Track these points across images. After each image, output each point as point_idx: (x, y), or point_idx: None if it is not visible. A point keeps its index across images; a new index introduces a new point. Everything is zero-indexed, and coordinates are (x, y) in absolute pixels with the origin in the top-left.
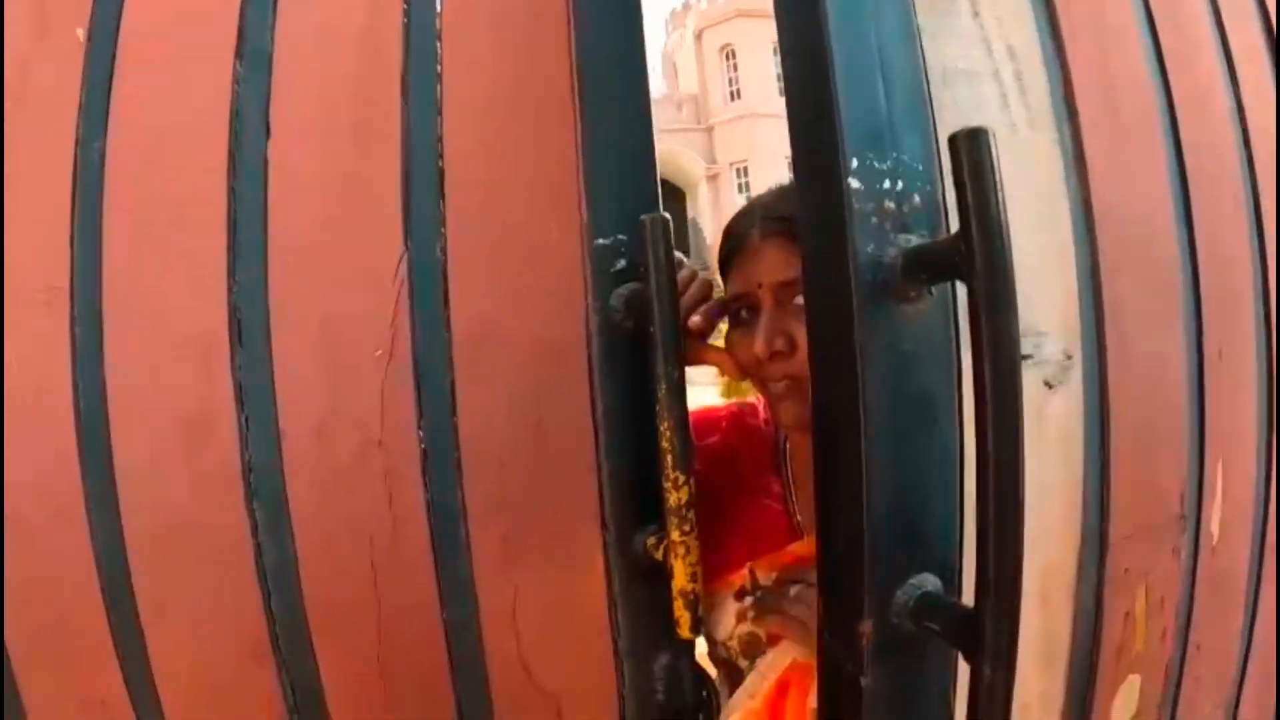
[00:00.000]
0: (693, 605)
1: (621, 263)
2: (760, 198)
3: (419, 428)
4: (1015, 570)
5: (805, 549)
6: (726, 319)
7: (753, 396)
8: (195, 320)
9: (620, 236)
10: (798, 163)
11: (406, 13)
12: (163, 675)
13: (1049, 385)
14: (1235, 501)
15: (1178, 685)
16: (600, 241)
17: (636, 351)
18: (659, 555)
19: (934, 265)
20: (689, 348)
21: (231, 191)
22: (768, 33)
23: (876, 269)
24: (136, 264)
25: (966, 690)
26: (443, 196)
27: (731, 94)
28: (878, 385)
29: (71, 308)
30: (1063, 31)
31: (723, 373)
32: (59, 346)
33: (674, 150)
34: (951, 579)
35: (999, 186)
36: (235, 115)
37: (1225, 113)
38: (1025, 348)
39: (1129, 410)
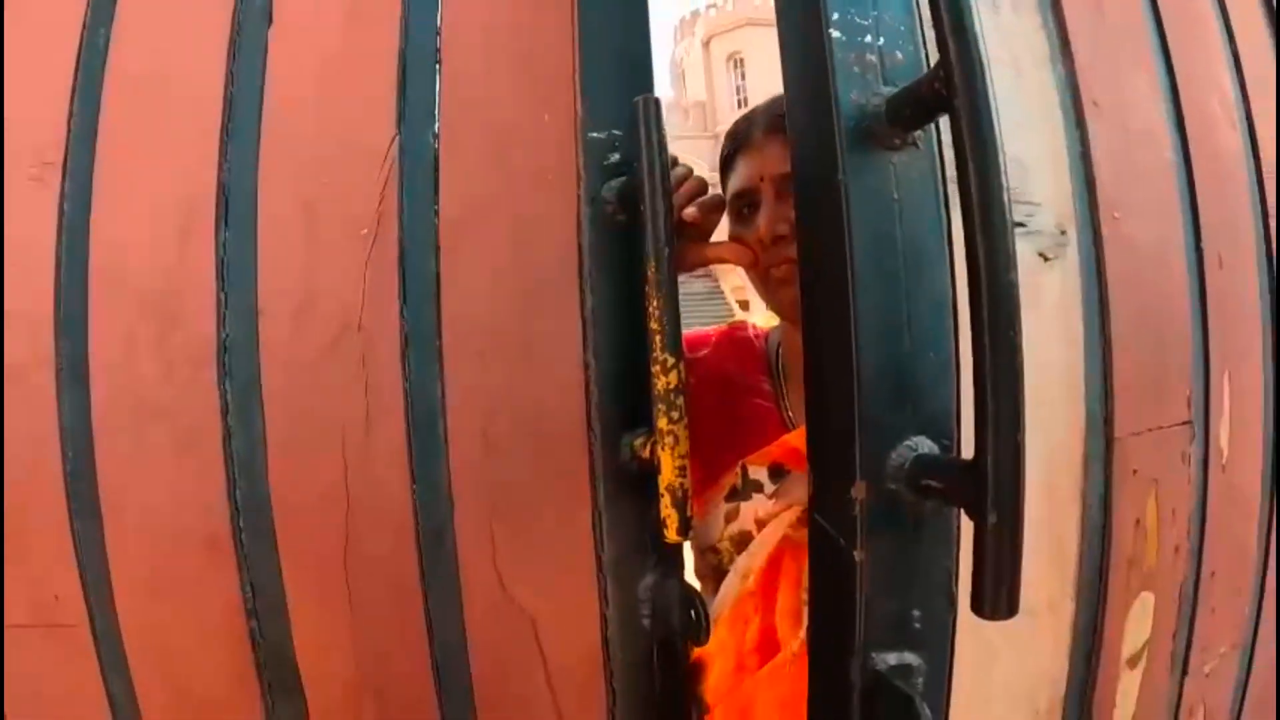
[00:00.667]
0: (681, 503)
1: (615, 156)
2: (760, 104)
3: (401, 313)
4: (1016, 408)
5: (797, 440)
6: (727, 216)
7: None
8: (183, 195)
9: (615, 131)
10: (783, 16)
11: None
12: (118, 570)
13: (1044, 257)
14: (1244, 421)
15: (1192, 614)
16: (594, 135)
17: (628, 247)
18: (646, 454)
19: (916, 102)
20: (694, 250)
21: (230, 74)
22: (776, 41)
23: (861, 115)
24: (130, 141)
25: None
26: (438, 83)
27: (739, 101)
28: (864, 231)
29: (63, 182)
30: None
31: (731, 263)
32: (46, 218)
33: (680, 157)
34: (949, 444)
35: (975, 18)
36: (239, 3)
37: (1212, 26)
38: (1017, 215)
39: (1129, 297)
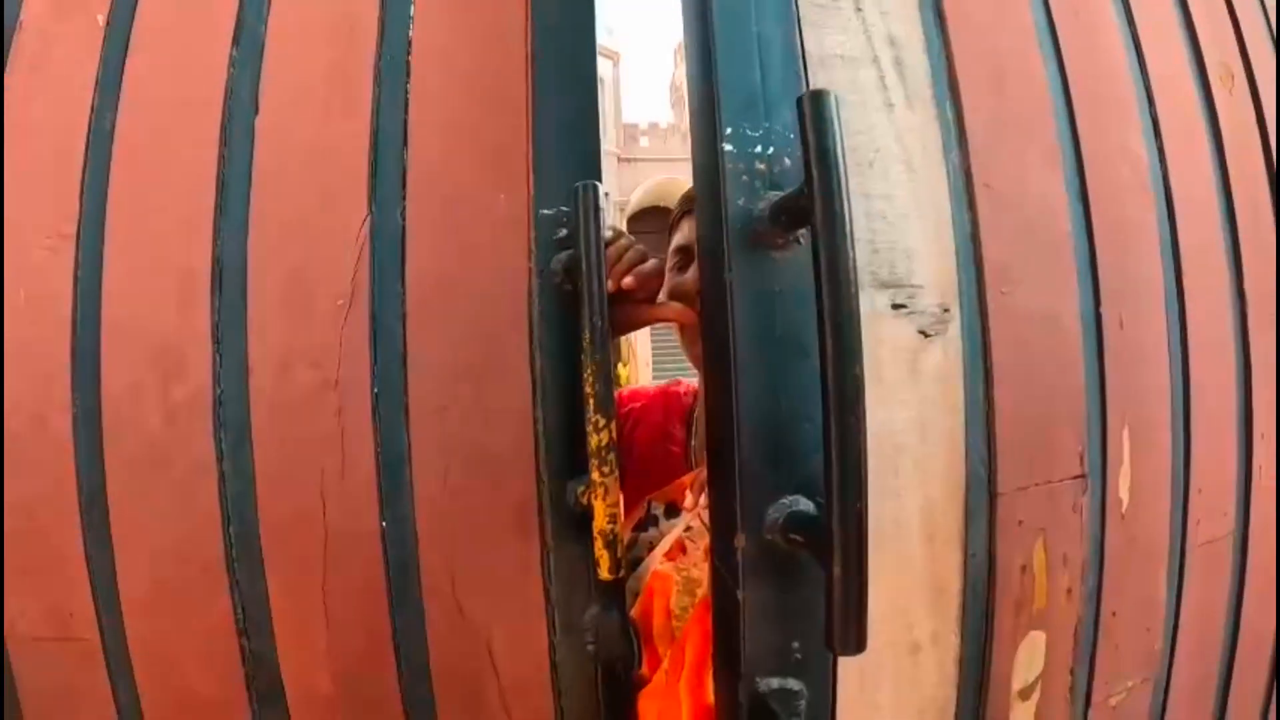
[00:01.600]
0: (611, 545)
1: (563, 232)
2: None
3: (372, 372)
4: (856, 469)
5: (691, 478)
6: (666, 268)
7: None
8: (182, 264)
9: (563, 208)
10: (692, 130)
11: (384, 4)
12: (127, 592)
13: (924, 334)
14: (1149, 472)
15: (1093, 651)
16: (544, 212)
17: (574, 313)
18: (585, 500)
19: (790, 212)
20: (640, 310)
21: (222, 157)
22: None
23: (747, 219)
24: (136, 216)
25: None
26: (405, 168)
27: None
28: (746, 322)
29: (77, 252)
30: (948, 19)
31: (673, 321)
32: (64, 284)
33: (676, 180)
34: (823, 502)
35: (837, 137)
36: (229, 93)
37: (1128, 92)
38: (899, 299)
39: (1015, 365)
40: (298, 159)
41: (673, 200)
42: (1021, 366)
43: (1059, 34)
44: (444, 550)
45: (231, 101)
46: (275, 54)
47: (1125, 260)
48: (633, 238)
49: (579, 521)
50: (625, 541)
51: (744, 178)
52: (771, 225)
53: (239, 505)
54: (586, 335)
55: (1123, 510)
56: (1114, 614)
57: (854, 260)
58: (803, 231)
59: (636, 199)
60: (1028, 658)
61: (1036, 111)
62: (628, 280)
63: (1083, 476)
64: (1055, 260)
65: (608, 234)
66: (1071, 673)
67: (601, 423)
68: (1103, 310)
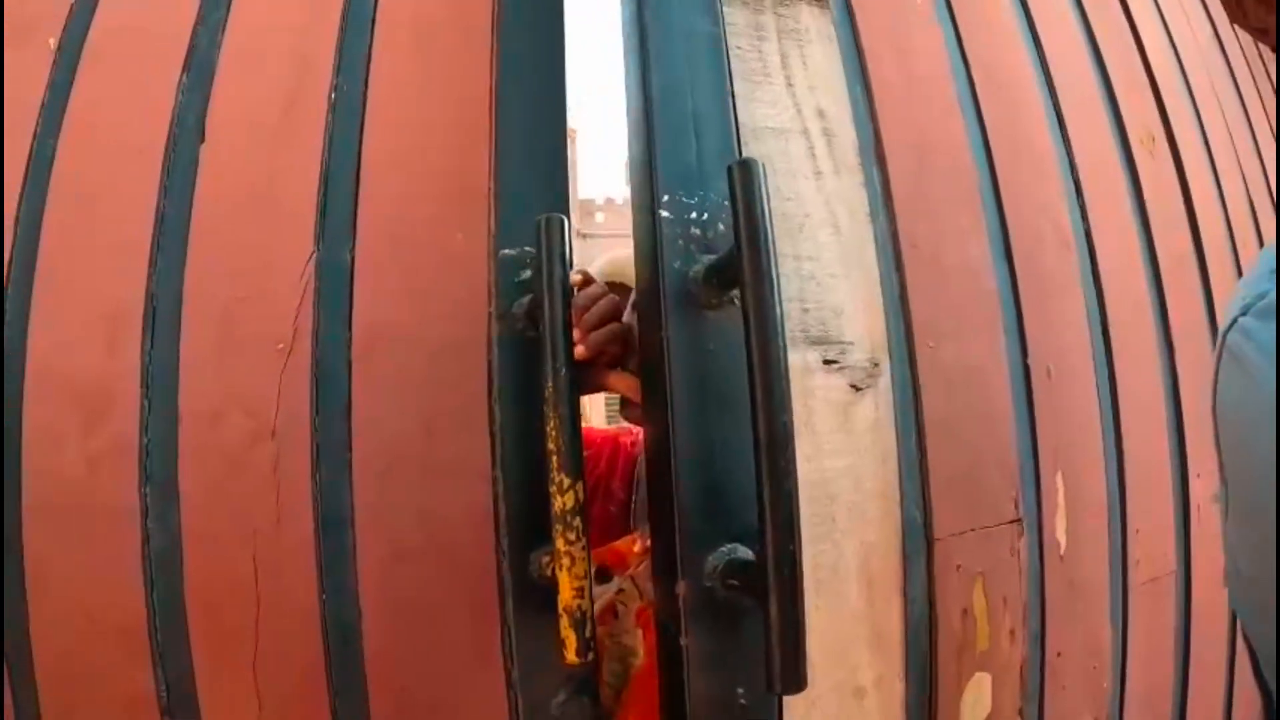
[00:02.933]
0: (579, 624)
1: (526, 274)
2: None
3: (313, 424)
4: (788, 509)
5: (624, 544)
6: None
7: None
8: (114, 301)
9: (527, 249)
10: (633, 199)
11: (341, 30)
12: (39, 652)
13: (855, 388)
14: (1085, 515)
15: (1040, 691)
16: (506, 252)
17: (536, 362)
18: (549, 573)
19: (722, 273)
20: (599, 373)
21: (163, 188)
22: None
23: (682, 280)
24: (69, 248)
25: None
26: (356, 203)
27: None
28: (682, 378)
29: (4, 284)
30: (875, 94)
31: (628, 396)
32: None
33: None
34: (761, 550)
35: (765, 203)
36: (176, 121)
37: (1050, 158)
38: (830, 354)
39: (944, 414)
40: (243, 192)
41: (628, 275)
42: (952, 416)
43: (981, 105)
44: (391, 626)
45: (177, 129)
46: (227, 82)
47: (1050, 314)
48: (604, 286)
49: (544, 596)
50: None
51: (680, 242)
52: (705, 286)
53: (163, 566)
54: (550, 386)
55: (1061, 552)
56: (1059, 654)
57: (780, 313)
58: (735, 292)
59: (594, 273)
60: (974, 699)
61: (960, 178)
62: (579, 350)
63: (1018, 521)
64: (981, 315)
65: (576, 277)
66: (1020, 713)
67: (567, 483)
68: (1030, 361)
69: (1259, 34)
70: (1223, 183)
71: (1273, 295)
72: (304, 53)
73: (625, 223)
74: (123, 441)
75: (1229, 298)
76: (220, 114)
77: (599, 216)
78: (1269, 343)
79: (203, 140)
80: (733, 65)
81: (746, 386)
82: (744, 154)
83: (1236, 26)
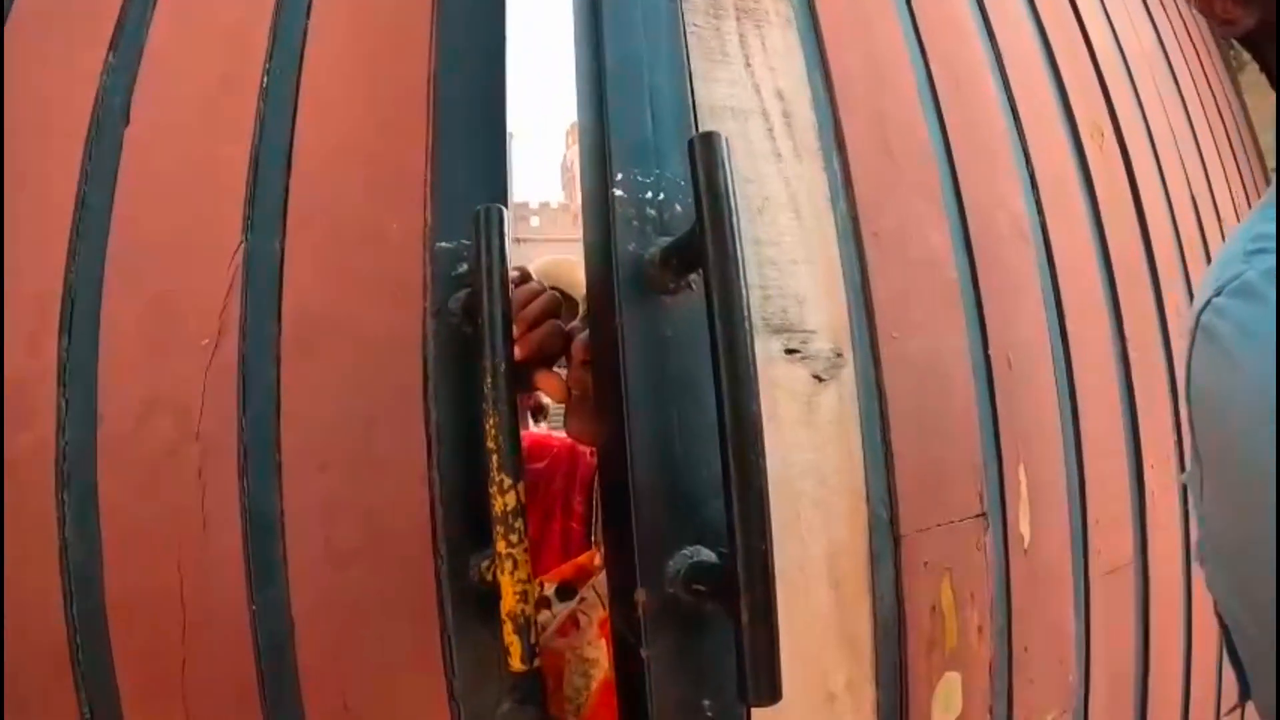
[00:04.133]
0: (523, 630)
1: (463, 267)
2: None
3: (240, 423)
4: (759, 508)
5: (587, 559)
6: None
7: None
8: (34, 295)
9: (464, 241)
10: (582, 177)
11: (277, 10)
12: None
13: (818, 378)
14: (1046, 507)
15: (1009, 687)
16: (442, 244)
17: (474, 359)
18: (490, 577)
19: (681, 254)
20: (530, 369)
21: (85, 172)
22: None
23: (637, 264)
24: None
25: None
26: (287, 191)
27: None
28: (638, 367)
29: None
30: (835, 83)
31: (551, 396)
32: None
33: (567, 259)
34: (725, 551)
35: (729, 179)
36: (99, 102)
37: (1005, 149)
38: (792, 344)
39: (909, 407)
40: (169, 178)
41: (562, 280)
42: (916, 408)
43: (939, 94)
44: (325, 637)
45: (101, 111)
46: (154, 62)
47: (1009, 304)
48: (543, 283)
49: (486, 602)
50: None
51: (634, 223)
52: (662, 270)
53: (83, 578)
54: (489, 382)
55: (1025, 546)
56: (1025, 649)
57: (747, 297)
58: (694, 276)
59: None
60: (945, 699)
61: (921, 167)
62: (534, 334)
63: (983, 515)
64: (943, 304)
65: (514, 274)
66: (990, 711)
67: (507, 483)
68: (991, 352)
69: (1225, 25)
70: (1167, 178)
71: (1248, 274)
72: (237, 32)
73: (560, 227)
74: (41, 444)
75: (1201, 283)
76: (147, 95)
77: (534, 220)
78: (1245, 320)
79: (128, 123)
80: (690, 42)
81: (707, 376)
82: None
83: (1198, 20)
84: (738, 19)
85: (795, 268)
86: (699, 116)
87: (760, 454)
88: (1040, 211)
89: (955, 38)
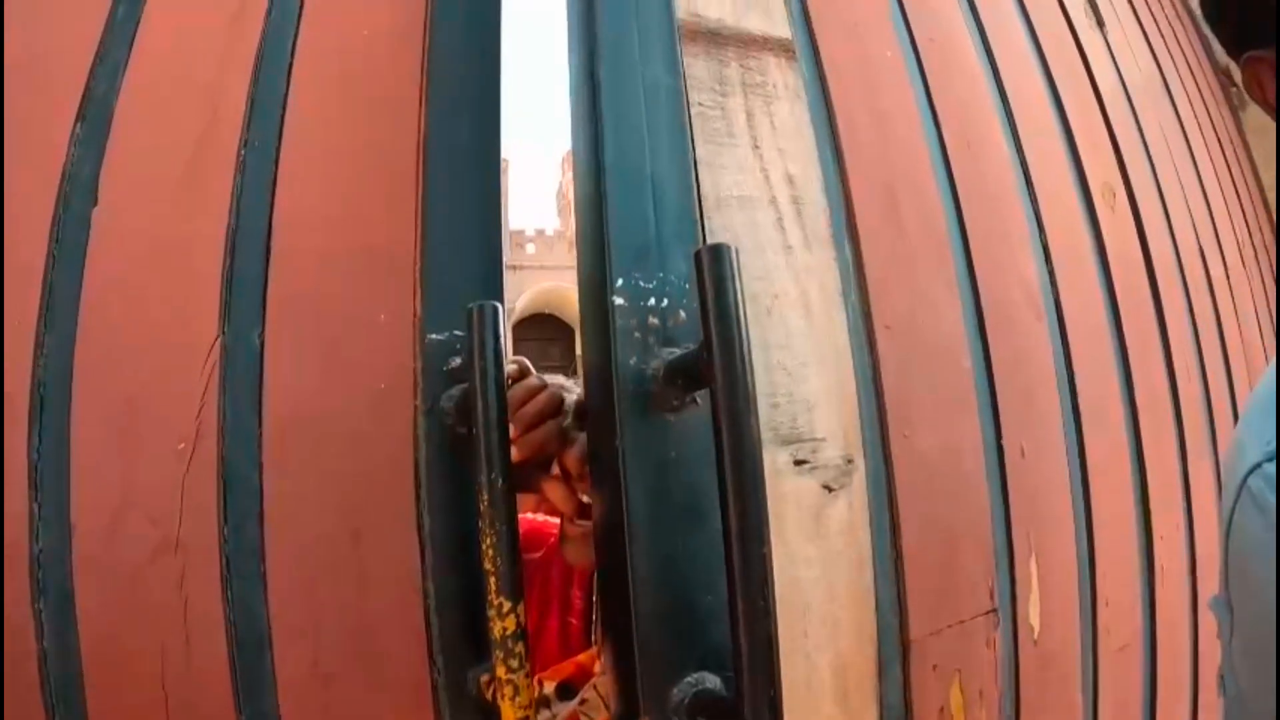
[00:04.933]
0: None
1: (456, 361)
2: None
3: (221, 531)
4: (766, 650)
5: (588, 658)
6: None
7: None
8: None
9: (457, 332)
10: (579, 281)
11: (256, 68)
12: None
13: (828, 489)
14: (1057, 595)
15: None
16: (434, 336)
17: (468, 461)
18: (490, 696)
19: (687, 373)
20: (532, 474)
21: (51, 256)
22: None
23: (640, 379)
24: None
25: None
26: (267, 277)
27: None
28: (640, 489)
29: None
30: (846, 158)
31: (553, 504)
32: None
33: (561, 287)
34: (731, 677)
35: (738, 297)
36: (67, 178)
37: (1019, 217)
38: (801, 453)
39: (920, 509)
40: (140, 262)
41: (559, 308)
42: (928, 509)
43: (951, 163)
44: None
45: (68, 187)
46: (125, 132)
47: (1023, 389)
48: (543, 378)
49: (483, 716)
50: None
51: (636, 334)
52: (667, 387)
53: (63, 693)
54: (485, 499)
55: (1035, 636)
56: None
57: (758, 429)
58: (700, 391)
59: (522, 306)
60: None
61: (934, 245)
62: (514, 452)
63: (994, 611)
64: (956, 396)
65: (511, 368)
66: None
67: (506, 607)
68: (1004, 441)
69: (1270, 108)
70: (1176, 233)
71: None
72: (213, 98)
73: (555, 255)
74: (14, 551)
75: (1240, 429)
76: (117, 169)
77: (529, 248)
78: None
79: (96, 202)
80: (694, 125)
81: (712, 497)
82: (708, 227)
83: (1200, 58)
84: (745, 95)
85: (805, 370)
86: (705, 209)
87: (770, 598)
88: (1054, 282)
89: (967, 98)
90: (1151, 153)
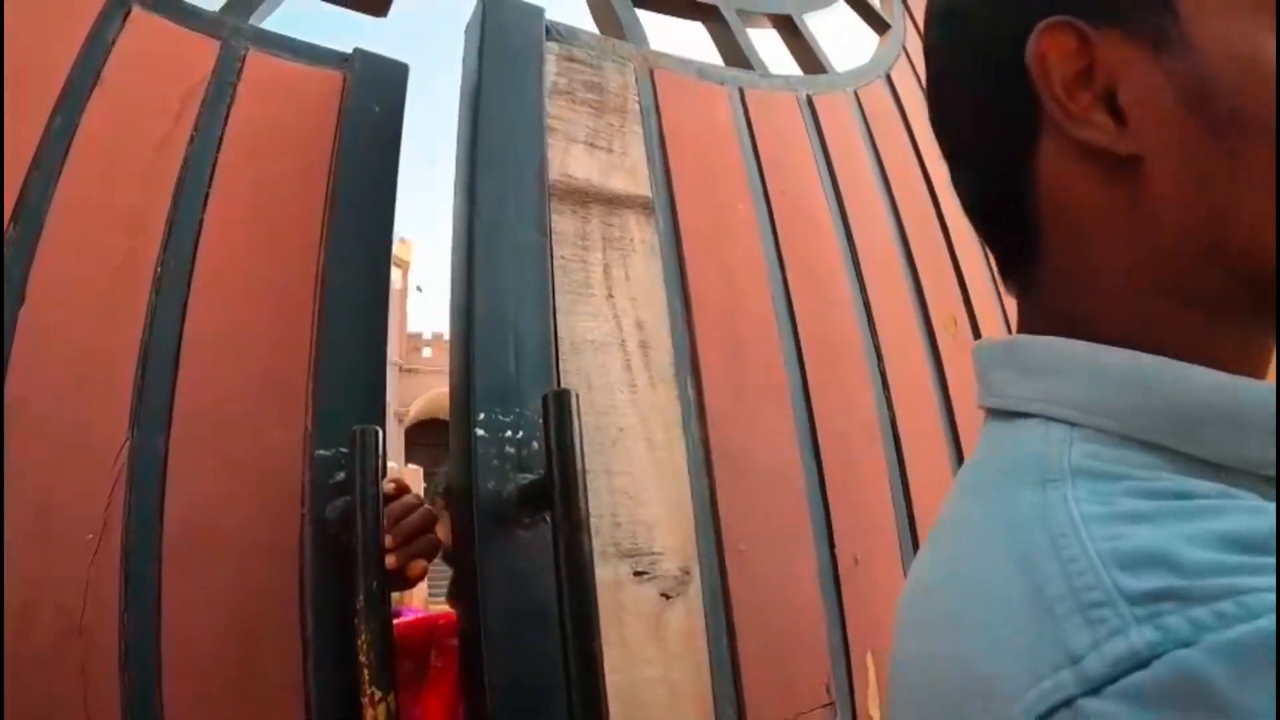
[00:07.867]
0: None
1: (341, 475)
2: None
3: (121, 620)
4: None
5: None
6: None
7: None
8: None
9: (342, 450)
10: (450, 413)
11: (175, 196)
12: None
13: (666, 596)
14: None
15: None
16: (321, 453)
17: (350, 568)
18: None
19: (535, 497)
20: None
21: None
22: None
23: (496, 501)
24: None
25: None
26: (174, 387)
27: None
28: (493, 599)
29: None
30: (694, 307)
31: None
32: None
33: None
34: None
35: (576, 436)
36: None
37: (858, 351)
38: (640, 566)
39: (754, 613)
40: (61, 365)
41: (444, 413)
42: (762, 614)
43: (794, 306)
44: None
45: None
46: (53, 241)
47: (857, 503)
48: (418, 496)
49: None
50: None
51: (494, 462)
52: (519, 508)
53: None
54: (361, 599)
55: None
56: None
57: (590, 549)
58: (549, 512)
59: (416, 410)
60: None
61: (773, 382)
62: (390, 560)
63: (831, 704)
64: (791, 514)
65: (389, 486)
66: None
67: (378, 696)
68: (837, 551)
69: None
70: None
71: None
72: (136, 217)
73: None
74: None
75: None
76: (44, 274)
77: (426, 351)
78: None
79: (22, 303)
80: (556, 277)
81: (553, 606)
82: (563, 369)
83: None
84: (604, 249)
85: (646, 494)
86: (561, 352)
87: (601, 691)
88: (890, 408)
89: (814, 240)
90: (999, 281)
